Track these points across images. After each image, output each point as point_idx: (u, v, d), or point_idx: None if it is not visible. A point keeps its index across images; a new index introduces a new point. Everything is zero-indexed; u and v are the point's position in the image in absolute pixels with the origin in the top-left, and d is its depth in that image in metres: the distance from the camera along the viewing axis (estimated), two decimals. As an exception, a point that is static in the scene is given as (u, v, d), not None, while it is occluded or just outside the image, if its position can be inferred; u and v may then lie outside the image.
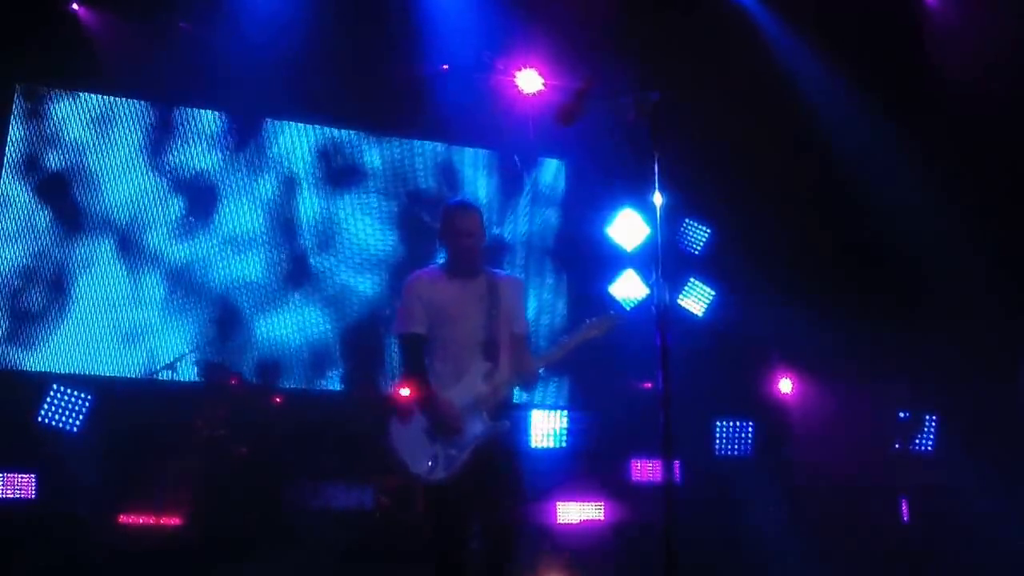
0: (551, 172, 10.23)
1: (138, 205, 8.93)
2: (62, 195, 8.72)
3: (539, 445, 8.54)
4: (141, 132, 8.98)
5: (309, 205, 9.47)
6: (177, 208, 9.04)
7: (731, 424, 8.96)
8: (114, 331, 8.69)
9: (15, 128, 8.60)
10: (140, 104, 8.99)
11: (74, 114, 8.80)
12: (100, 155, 8.84)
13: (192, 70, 8.39)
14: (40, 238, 8.62)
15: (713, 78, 8.53)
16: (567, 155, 10.03)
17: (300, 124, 9.46)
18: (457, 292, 4.57)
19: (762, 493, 8.37)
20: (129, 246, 8.86)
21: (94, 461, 7.57)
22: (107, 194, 8.84)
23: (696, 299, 9.08)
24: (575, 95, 4.32)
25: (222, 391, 7.99)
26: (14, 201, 8.55)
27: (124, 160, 8.92)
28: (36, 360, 8.46)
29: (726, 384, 8.93)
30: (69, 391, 7.75)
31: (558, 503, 8.28)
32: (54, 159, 8.73)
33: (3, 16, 7.85)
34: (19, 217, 8.57)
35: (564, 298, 9.93)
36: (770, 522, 8.10)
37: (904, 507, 7.97)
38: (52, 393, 7.70)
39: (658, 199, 3.83)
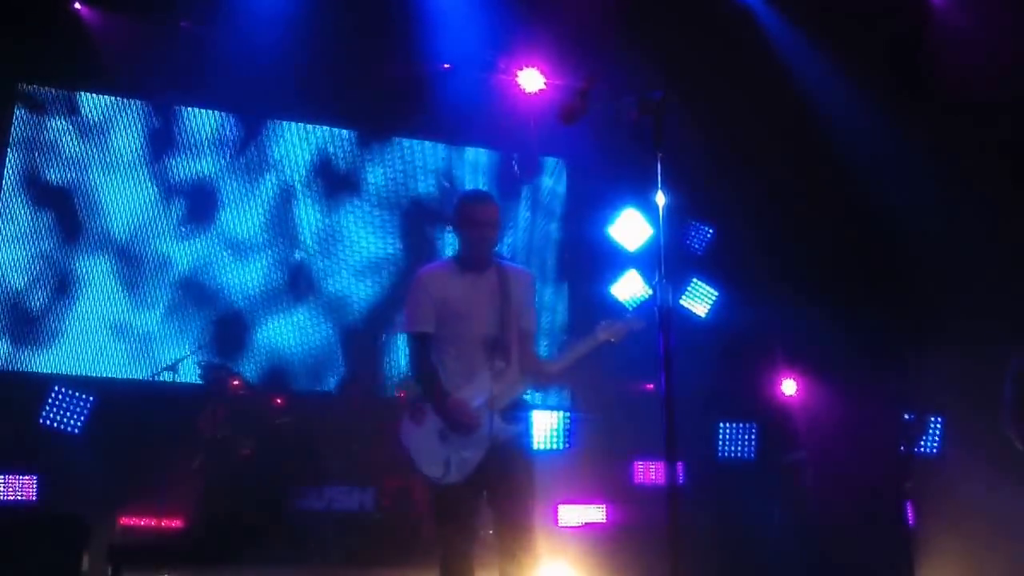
0: (551, 173, 10.21)
1: (139, 206, 8.94)
2: (64, 196, 8.74)
3: (540, 447, 8.52)
4: (142, 133, 8.99)
5: (310, 207, 9.47)
6: (178, 210, 9.04)
7: (734, 426, 8.91)
8: (115, 332, 8.69)
9: (17, 128, 8.59)
10: (142, 104, 9.00)
11: (76, 114, 8.80)
12: (101, 156, 8.85)
13: (193, 70, 8.40)
14: (42, 240, 8.63)
15: (717, 76, 8.50)
16: (569, 154, 10.01)
17: (302, 124, 9.47)
18: (468, 287, 4.46)
19: (765, 496, 8.33)
20: (130, 247, 8.87)
21: (95, 463, 7.56)
22: (108, 194, 8.85)
23: (699, 300, 9.05)
24: (577, 94, 4.28)
25: (223, 393, 7.99)
26: (16, 203, 8.55)
27: (125, 161, 8.93)
28: (38, 361, 8.46)
29: (729, 386, 8.89)
30: (71, 392, 7.74)
31: (559, 505, 8.25)
32: (55, 161, 8.73)
33: (6, 16, 7.84)
34: (21, 218, 8.59)
35: (565, 299, 9.92)
36: (773, 525, 8.06)
37: (909, 510, 7.91)
38: (54, 394, 7.69)
39: (661, 199, 3.79)
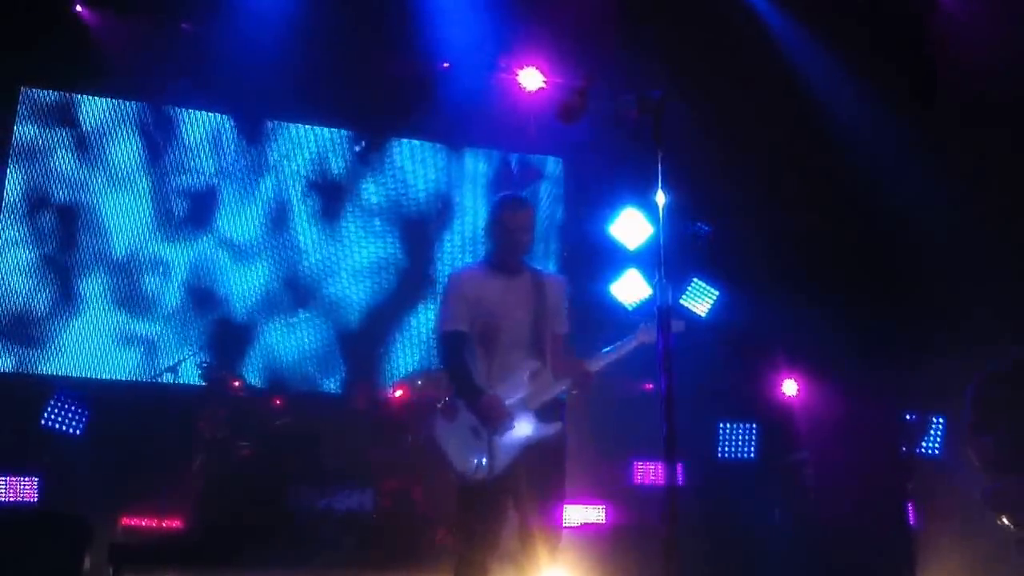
0: (551, 173, 10.20)
1: (139, 208, 8.93)
2: (65, 201, 8.74)
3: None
4: (142, 135, 8.98)
5: (310, 208, 9.46)
6: (178, 212, 9.04)
7: (734, 426, 8.90)
8: (117, 334, 8.69)
9: (19, 131, 8.59)
10: (142, 106, 8.99)
11: (77, 116, 8.80)
12: (101, 158, 8.84)
13: (194, 71, 8.40)
14: (44, 242, 8.62)
15: (718, 74, 8.49)
16: (568, 153, 9.99)
17: (302, 125, 9.46)
18: (502, 289, 4.48)
19: (766, 496, 8.32)
20: (130, 250, 8.86)
21: (97, 464, 7.56)
22: (108, 197, 8.85)
23: (699, 299, 9.03)
24: (576, 93, 4.28)
25: (224, 394, 7.98)
26: (18, 206, 8.55)
27: (125, 164, 8.92)
28: (39, 363, 8.46)
29: (730, 386, 8.87)
30: (72, 394, 7.74)
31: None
32: (56, 165, 8.73)
33: (7, 18, 7.85)
34: (23, 221, 8.58)
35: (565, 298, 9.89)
36: (774, 525, 8.05)
37: (911, 511, 7.89)
38: (55, 396, 7.69)
39: (661, 198, 3.78)
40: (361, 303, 9.44)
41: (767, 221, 9.18)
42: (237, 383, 8.15)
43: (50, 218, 8.68)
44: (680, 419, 3.51)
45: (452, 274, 4.73)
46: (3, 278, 8.45)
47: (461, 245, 9.71)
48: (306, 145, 9.48)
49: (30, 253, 8.57)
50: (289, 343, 9.21)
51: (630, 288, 8.92)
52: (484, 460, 4.24)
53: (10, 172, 8.50)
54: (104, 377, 8.57)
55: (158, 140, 9.02)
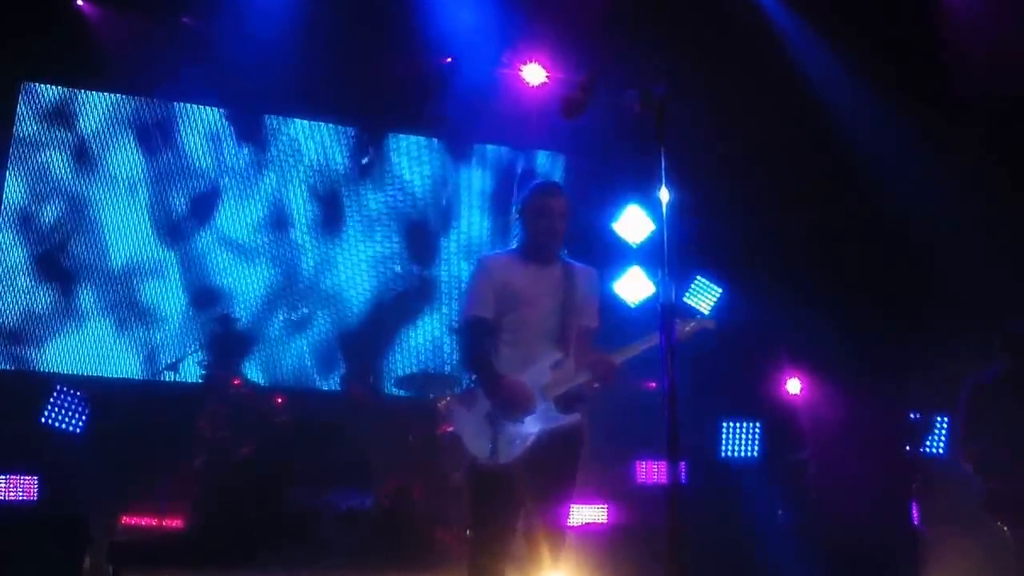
0: (554, 169, 10.17)
1: (140, 203, 8.91)
2: (65, 196, 8.72)
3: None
4: (143, 129, 8.95)
5: (311, 204, 9.43)
6: (179, 208, 9.01)
7: (738, 425, 8.86)
8: (117, 331, 8.67)
9: (19, 126, 8.57)
10: (143, 101, 8.96)
11: (78, 112, 8.77)
12: (101, 153, 8.82)
13: (195, 66, 8.36)
14: (44, 240, 8.60)
15: (721, 70, 8.44)
16: (570, 149, 9.96)
17: (303, 121, 9.43)
18: (532, 277, 4.40)
19: (769, 495, 8.29)
20: (130, 246, 8.84)
21: (97, 462, 7.53)
22: (107, 193, 8.84)
23: (703, 297, 9.00)
24: (579, 88, 4.25)
25: (224, 392, 7.95)
26: (17, 201, 8.52)
27: (126, 159, 8.89)
28: (39, 360, 8.44)
29: (733, 384, 8.84)
30: (72, 392, 7.71)
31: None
32: (56, 160, 8.70)
33: (8, 13, 7.82)
34: (23, 217, 8.56)
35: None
36: (777, 524, 8.01)
37: (915, 510, 7.86)
38: (55, 394, 7.66)
39: (664, 195, 3.75)
40: (362, 300, 9.41)
41: (771, 218, 9.15)
42: (237, 381, 8.12)
43: (50, 215, 8.66)
44: (683, 418, 3.48)
45: (481, 259, 4.68)
46: (3, 275, 8.42)
47: (467, 244, 9.71)
48: (307, 141, 9.46)
49: (30, 250, 8.54)
50: (290, 341, 9.18)
51: (633, 286, 8.90)
52: (500, 444, 4.19)
53: (10, 168, 8.48)
54: (104, 375, 8.55)
55: (158, 136, 9.01)
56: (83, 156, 8.79)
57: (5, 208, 8.48)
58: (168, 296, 8.89)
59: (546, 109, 8.68)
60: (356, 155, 9.58)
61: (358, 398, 8.42)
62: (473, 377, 4.49)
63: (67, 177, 8.76)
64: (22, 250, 8.53)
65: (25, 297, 8.50)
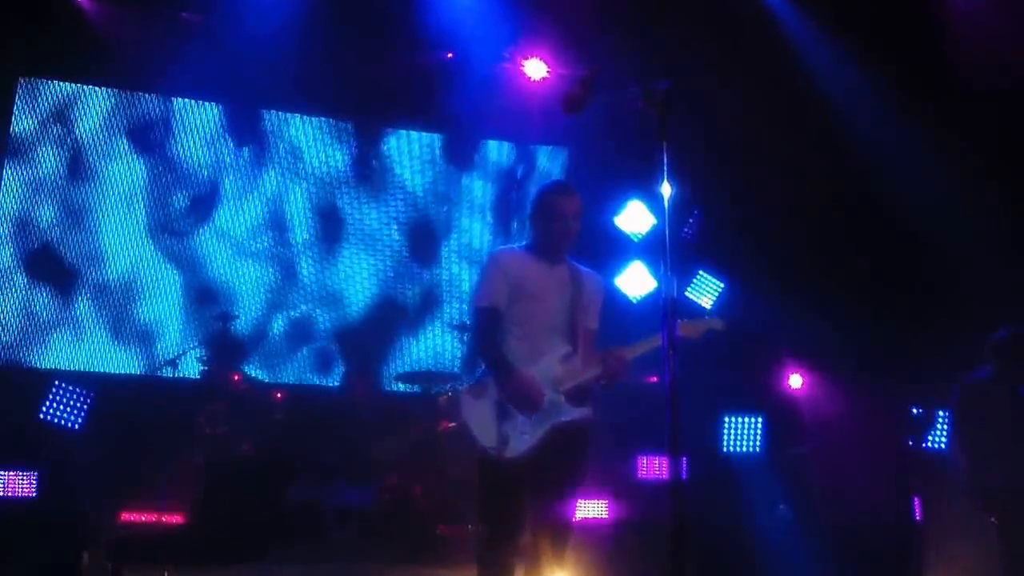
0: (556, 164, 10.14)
1: (138, 199, 8.88)
2: (62, 191, 8.68)
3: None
4: (142, 124, 8.91)
5: (311, 200, 9.40)
6: (178, 204, 8.98)
7: (740, 419, 8.84)
8: (115, 328, 8.64)
9: (18, 120, 8.53)
10: (142, 96, 8.92)
11: (77, 107, 8.74)
12: (98, 149, 8.78)
13: (194, 61, 8.31)
14: (41, 235, 8.57)
15: (725, 66, 8.41)
16: (573, 145, 9.94)
17: (303, 116, 9.40)
18: (542, 273, 4.43)
19: (771, 490, 8.27)
20: (128, 242, 8.81)
21: (96, 458, 7.50)
22: (105, 190, 8.80)
23: (705, 292, 8.98)
24: (581, 83, 4.21)
25: (224, 388, 7.93)
26: (12, 198, 8.49)
27: (123, 154, 8.86)
28: (38, 357, 8.41)
29: (735, 379, 8.82)
30: (71, 388, 7.68)
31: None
32: (54, 155, 8.66)
33: (6, 7, 7.79)
34: (18, 213, 8.52)
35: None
36: (779, 519, 7.99)
37: (917, 505, 7.85)
38: (54, 390, 7.63)
39: (666, 190, 3.73)
40: (362, 298, 9.39)
41: (773, 213, 9.13)
42: (237, 377, 8.10)
43: (47, 212, 8.63)
44: (685, 412, 3.46)
45: (493, 253, 4.74)
46: (1, 271, 8.39)
47: (468, 243, 9.69)
48: (308, 136, 9.42)
49: (27, 248, 8.52)
50: (290, 337, 9.16)
51: (635, 281, 8.88)
52: (509, 437, 4.18)
53: (6, 164, 8.45)
54: (103, 371, 8.52)
55: (156, 131, 8.97)
56: (80, 152, 8.75)
57: (2, 205, 8.43)
58: (167, 293, 8.86)
59: (548, 104, 8.65)
60: (357, 152, 9.54)
61: (359, 394, 8.40)
62: (484, 367, 4.47)
63: (64, 173, 8.72)
64: (19, 247, 8.48)
65: (23, 294, 8.47)
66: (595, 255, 9.15)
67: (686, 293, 8.88)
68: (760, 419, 8.88)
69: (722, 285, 8.98)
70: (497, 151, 9.99)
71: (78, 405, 7.63)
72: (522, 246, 4.61)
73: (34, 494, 7.40)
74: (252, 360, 8.91)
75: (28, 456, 7.51)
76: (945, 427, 8.75)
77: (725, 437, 8.83)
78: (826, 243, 9.13)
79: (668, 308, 3.62)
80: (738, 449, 8.83)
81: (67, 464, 7.47)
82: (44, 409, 7.54)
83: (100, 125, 8.81)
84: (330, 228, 9.42)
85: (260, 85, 8.69)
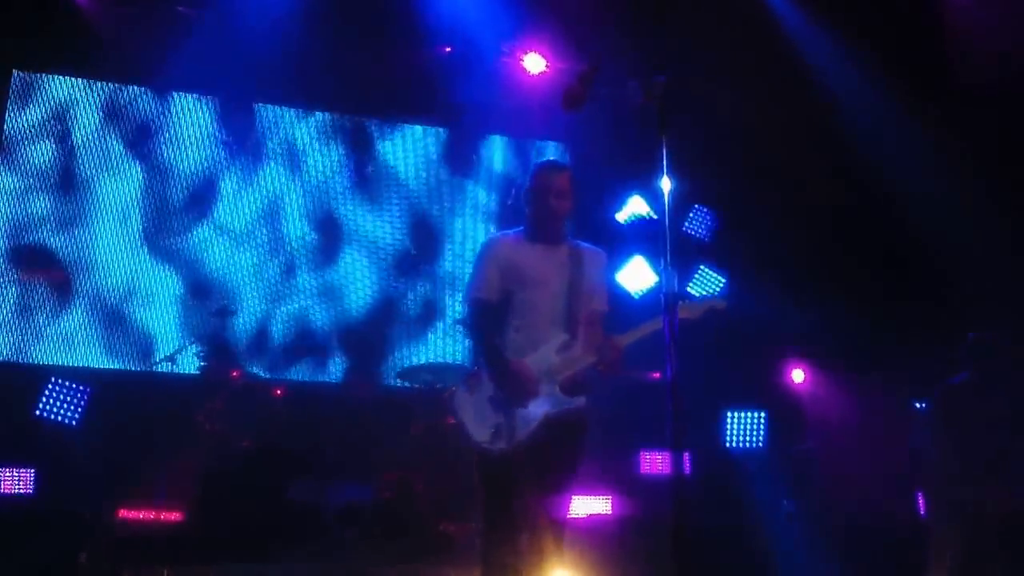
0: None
1: (134, 193, 8.84)
2: (58, 186, 8.63)
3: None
4: (138, 118, 8.86)
5: (311, 193, 9.36)
6: (175, 197, 8.94)
7: (743, 415, 8.81)
8: (112, 323, 8.60)
9: (11, 115, 8.49)
10: (138, 90, 8.88)
11: (71, 99, 8.69)
12: (93, 142, 8.73)
13: (190, 55, 8.27)
14: (34, 229, 8.53)
15: (724, 60, 8.38)
16: (573, 140, 9.89)
17: (301, 110, 9.36)
18: (539, 257, 4.36)
19: (774, 485, 8.24)
20: (126, 235, 8.77)
21: (94, 455, 7.46)
22: (103, 187, 8.75)
23: (706, 287, 8.94)
24: (580, 78, 4.17)
25: (223, 383, 7.88)
26: (6, 191, 8.45)
27: (120, 149, 8.82)
28: (34, 352, 8.37)
29: (737, 374, 8.79)
30: (67, 384, 7.63)
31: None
32: (48, 150, 8.62)
33: (1, 1, 7.74)
34: (15, 203, 8.48)
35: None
36: (782, 515, 7.96)
37: (921, 501, 7.81)
38: (50, 386, 7.59)
39: (666, 184, 3.69)
40: (363, 294, 9.35)
41: (775, 207, 9.10)
42: (236, 373, 8.05)
43: (41, 205, 8.58)
44: (687, 408, 3.44)
45: (486, 240, 4.65)
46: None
47: (473, 237, 9.64)
48: (306, 131, 9.37)
49: (21, 241, 8.46)
50: (289, 332, 9.12)
51: (636, 276, 8.85)
52: (502, 429, 4.12)
53: (0, 158, 8.41)
54: (100, 366, 8.48)
55: (153, 124, 8.92)
56: (75, 147, 8.70)
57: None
58: (165, 287, 8.82)
59: (549, 99, 8.61)
60: (355, 148, 9.50)
61: (360, 390, 8.37)
62: (479, 360, 4.42)
63: (59, 168, 8.67)
64: (12, 240, 8.44)
65: (17, 288, 8.43)
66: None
67: (688, 288, 8.85)
68: (763, 414, 8.85)
69: (724, 280, 8.95)
70: (500, 148, 9.94)
71: (75, 401, 7.58)
72: (519, 231, 4.55)
73: (32, 491, 7.37)
74: (251, 356, 8.86)
75: (26, 452, 7.46)
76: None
77: (728, 432, 8.80)
78: (828, 237, 9.10)
79: (668, 303, 3.59)
80: (741, 444, 8.80)
81: (65, 460, 7.41)
82: (40, 406, 7.50)
83: (95, 120, 8.76)
84: (329, 224, 9.37)
85: (257, 79, 8.66)
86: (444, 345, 9.33)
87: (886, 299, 8.62)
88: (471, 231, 9.70)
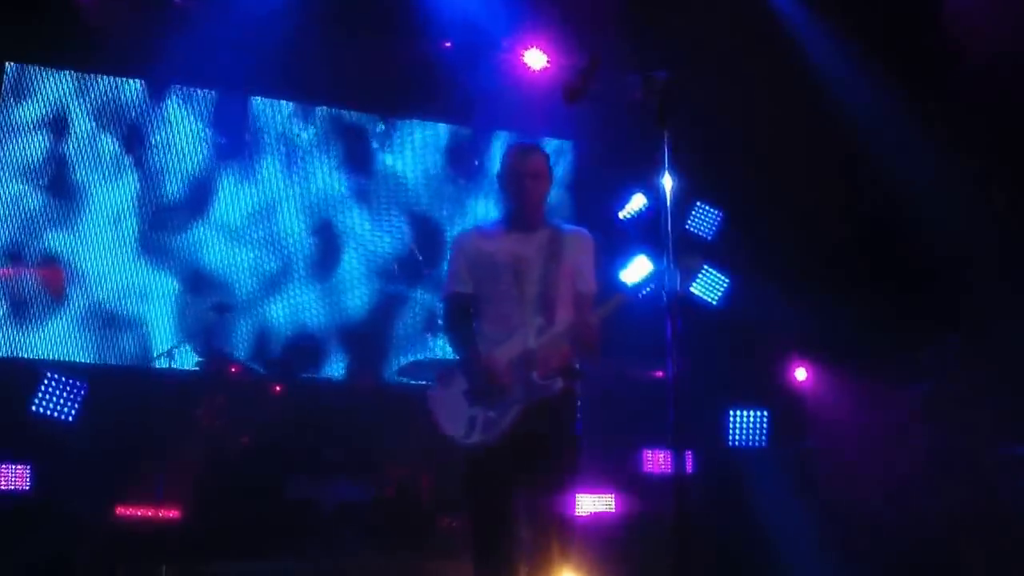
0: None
1: (131, 193, 8.80)
2: (50, 179, 8.60)
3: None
4: (134, 112, 8.81)
5: (311, 188, 9.33)
6: (172, 192, 8.90)
7: (745, 413, 8.77)
8: (109, 318, 8.57)
9: (5, 110, 8.45)
10: (133, 83, 8.84)
11: (65, 93, 8.65)
12: (90, 138, 8.69)
13: (186, 48, 8.22)
14: (29, 222, 8.49)
15: (726, 56, 8.35)
16: (575, 137, 9.86)
17: (300, 104, 9.33)
18: (513, 244, 4.23)
19: (777, 484, 8.20)
20: (122, 230, 8.74)
21: (91, 451, 7.41)
22: (100, 184, 8.71)
23: (709, 286, 8.90)
24: (581, 73, 4.12)
25: (221, 379, 7.85)
26: (5, 183, 8.41)
27: (115, 144, 8.78)
28: (29, 347, 8.33)
29: (740, 372, 8.76)
30: (63, 379, 7.59)
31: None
32: (41, 144, 8.57)
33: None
34: (11, 197, 8.44)
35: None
36: (785, 514, 7.92)
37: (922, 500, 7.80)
38: (46, 381, 7.55)
39: (667, 182, 3.65)
40: (365, 286, 9.31)
41: (777, 205, 9.06)
42: (235, 368, 8.02)
43: (35, 199, 8.54)
44: (689, 406, 3.42)
45: (458, 233, 4.58)
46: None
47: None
48: (305, 125, 9.34)
49: (14, 235, 8.42)
50: (290, 327, 9.09)
51: (639, 274, 8.80)
52: (477, 422, 4.03)
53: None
54: (97, 362, 8.44)
55: (148, 119, 8.88)
56: (69, 141, 8.66)
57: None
58: (163, 281, 8.79)
59: (551, 96, 8.57)
60: (355, 144, 9.47)
61: (362, 386, 8.35)
62: (454, 355, 4.37)
63: (53, 160, 8.62)
64: (5, 234, 8.40)
65: (12, 282, 8.39)
66: (601, 248, 9.15)
67: (691, 288, 8.80)
68: (766, 412, 8.82)
69: (727, 280, 8.91)
70: (501, 145, 9.90)
71: (71, 397, 7.53)
72: (495, 220, 4.46)
73: (28, 487, 7.32)
74: (251, 350, 8.83)
75: (21, 449, 7.41)
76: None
77: (730, 430, 8.76)
78: (831, 235, 9.08)
79: (671, 303, 3.55)
80: (744, 442, 8.77)
81: (61, 457, 7.36)
82: (36, 401, 7.45)
83: (90, 115, 8.72)
84: (327, 222, 9.34)
85: (255, 73, 8.60)
86: (445, 344, 9.30)
87: (889, 297, 8.58)
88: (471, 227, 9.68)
